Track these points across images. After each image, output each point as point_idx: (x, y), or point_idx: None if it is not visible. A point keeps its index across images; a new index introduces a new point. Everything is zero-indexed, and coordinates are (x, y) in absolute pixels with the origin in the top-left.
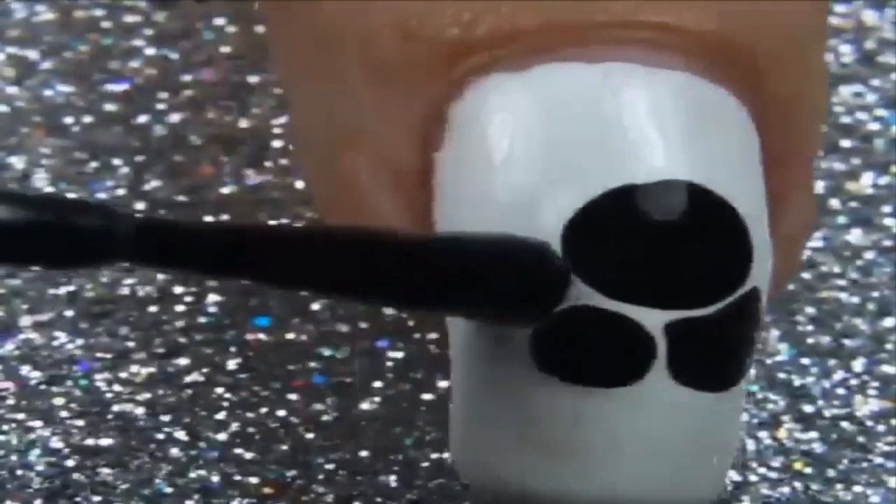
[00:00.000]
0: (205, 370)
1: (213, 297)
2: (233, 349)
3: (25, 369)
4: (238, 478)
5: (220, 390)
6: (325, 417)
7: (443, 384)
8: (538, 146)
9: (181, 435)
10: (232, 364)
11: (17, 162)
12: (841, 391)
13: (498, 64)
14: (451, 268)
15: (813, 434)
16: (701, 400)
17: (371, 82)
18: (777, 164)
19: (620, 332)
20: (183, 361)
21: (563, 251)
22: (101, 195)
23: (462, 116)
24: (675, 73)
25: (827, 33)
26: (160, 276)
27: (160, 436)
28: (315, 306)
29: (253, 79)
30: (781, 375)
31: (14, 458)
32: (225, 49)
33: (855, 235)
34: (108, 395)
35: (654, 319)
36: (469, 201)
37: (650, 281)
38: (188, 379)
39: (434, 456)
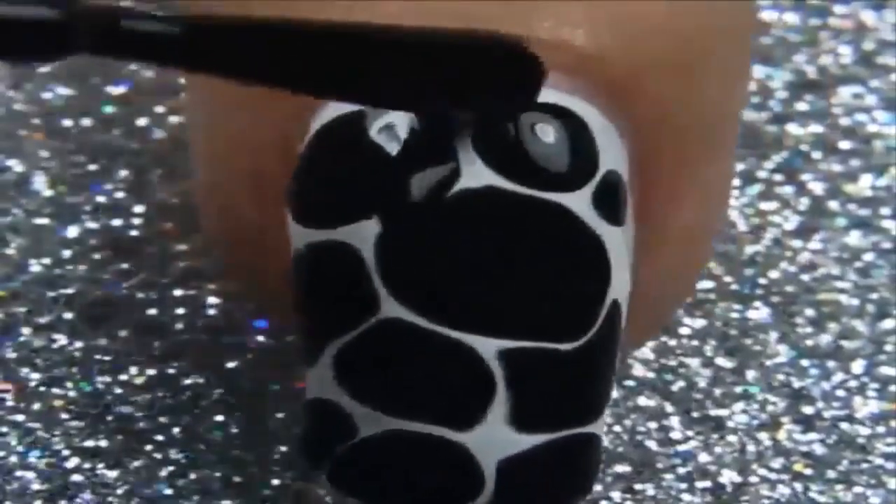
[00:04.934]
0: (204, 372)
1: (212, 300)
2: (232, 351)
3: (25, 371)
4: (238, 479)
5: (219, 391)
6: None
7: None
8: None
9: (181, 436)
10: (231, 366)
11: (17, 165)
12: (840, 393)
13: None
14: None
15: (813, 435)
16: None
17: (242, 101)
18: (660, 166)
19: (449, 359)
20: (182, 364)
21: (376, 261)
22: (101, 198)
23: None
24: None
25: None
26: (161, 279)
27: (160, 437)
28: None
29: None
30: (781, 377)
31: (14, 458)
32: None
33: (854, 237)
34: (108, 397)
35: (489, 347)
36: None
37: (493, 307)
38: (188, 381)
39: None
